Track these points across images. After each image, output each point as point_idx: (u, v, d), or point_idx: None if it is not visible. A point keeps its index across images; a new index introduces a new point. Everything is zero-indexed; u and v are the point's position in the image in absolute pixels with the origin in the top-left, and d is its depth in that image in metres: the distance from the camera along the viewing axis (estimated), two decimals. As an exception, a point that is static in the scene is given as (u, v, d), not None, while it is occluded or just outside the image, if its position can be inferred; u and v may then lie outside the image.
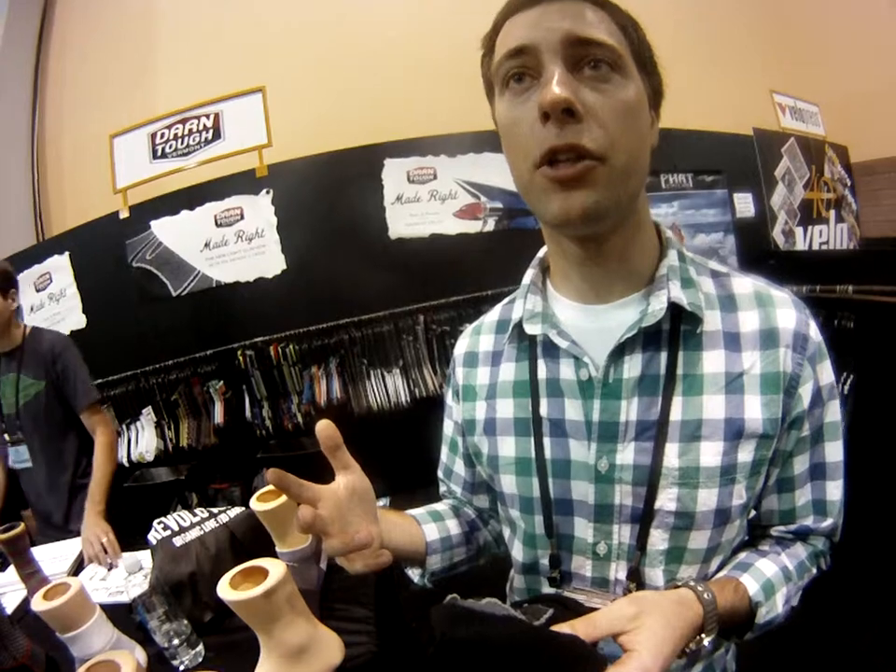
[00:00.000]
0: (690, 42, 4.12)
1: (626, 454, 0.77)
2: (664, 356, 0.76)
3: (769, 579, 0.79)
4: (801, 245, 4.42)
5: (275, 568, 1.00)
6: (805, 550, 0.87)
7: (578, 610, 0.74)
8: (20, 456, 2.31)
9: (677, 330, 0.76)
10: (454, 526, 1.03)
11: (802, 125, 4.56)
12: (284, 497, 1.35)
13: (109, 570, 1.84)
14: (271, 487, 1.40)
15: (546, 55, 0.65)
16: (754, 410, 0.74)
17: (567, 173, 0.65)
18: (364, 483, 0.77)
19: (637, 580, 0.79)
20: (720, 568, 0.82)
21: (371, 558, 0.74)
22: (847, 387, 2.67)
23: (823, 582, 0.91)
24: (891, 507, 2.21)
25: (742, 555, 0.84)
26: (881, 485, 2.24)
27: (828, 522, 0.84)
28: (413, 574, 1.02)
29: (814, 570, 0.87)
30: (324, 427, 0.72)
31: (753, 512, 0.86)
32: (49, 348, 2.26)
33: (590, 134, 0.64)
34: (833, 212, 4.67)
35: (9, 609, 1.59)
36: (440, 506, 1.08)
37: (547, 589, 0.87)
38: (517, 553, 0.92)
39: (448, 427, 1.07)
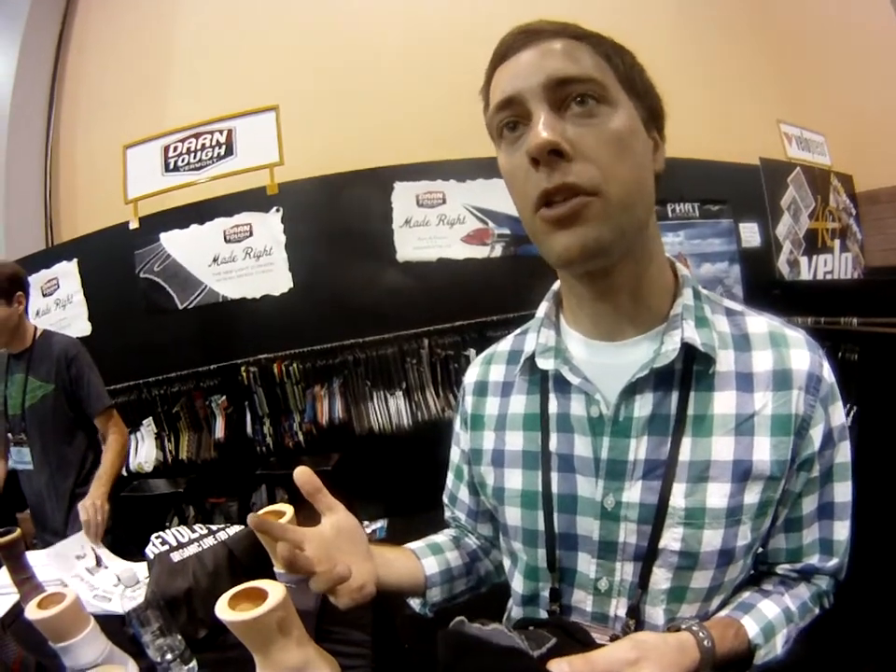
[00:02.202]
0: (697, 72, 4.18)
1: (633, 492, 0.77)
2: (675, 395, 0.76)
3: (770, 621, 0.78)
4: (806, 274, 4.44)
5: (275, 590, 0.99)
6: (809, 590, 0.86)
7: (582, 640, 0.75)
8: (21, 457, 2.30)
9: (689, 370, 0.76)
10: (454, 559, 1.03)
11: (808, 155, 4.60)
12: (285, 518, 1.35)
13: (97, 565, 1.81)
14: (271, 507, 1.40)
15: (532, 102, 0.67)
16: (763, 452, 0.74)
17: (561, 211, 0.66)
18: (350, 521, 0.80)
19: (636, 617, 0.78)
20: (721, 607, 0.81)
21: (356, 592, 0.75)
22: (850, 419, 2.66)
23: (823, 615, 0.90)
24: (893, 537, 2.19)
25: (745, 595, 0.83)
26: (883, 516, 2.22)
27: (834, 561, 0.83)
28: (414, 604, 1.02)
29: (816, 611, 0.87)
30: (301, 474, 0.75)
31: (760, 549, 0.86)
32: (61, 352, 2.25)
33: (580, 171, 0.65)
34: (837, 241, 4.70)
35: (0, 614, 1.59)
36: (439, 538, 1.08)
37: None
38: (517, 584, 0.92)
39: (455, 454, 1.06)
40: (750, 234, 4.11)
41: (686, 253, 3.82)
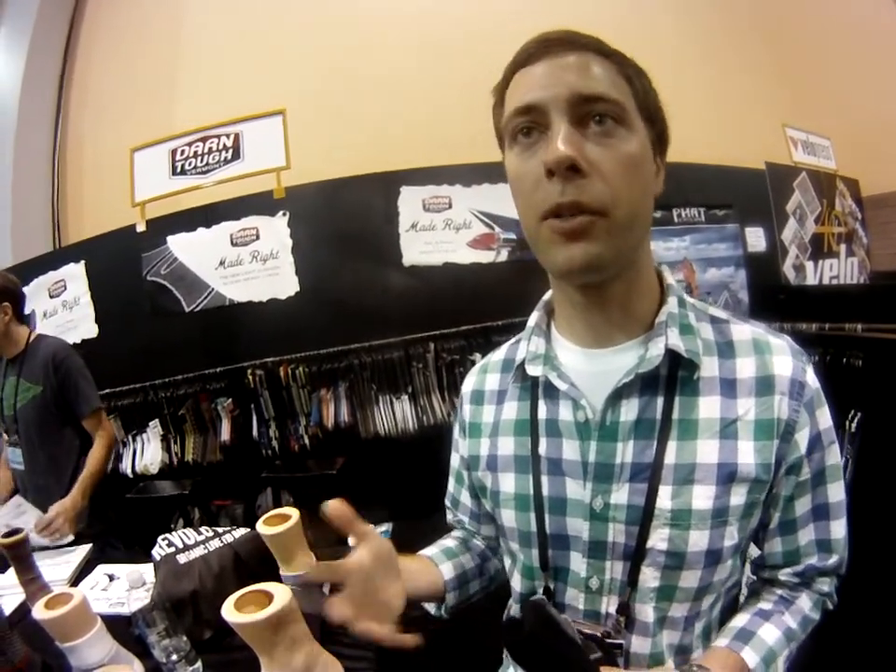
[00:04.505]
0: (702, 77, 4.18)
1: (621, 494, 0.79)
2: (660, 400, 0.78)
3: (771, 647, 0.80)
4: (811, 279, 4.42)
5: (280, 593, 1.00)
6: (810, 599, 0.88)
7: (615, 663, 0.79)
8: (15, 457, 2.39)
9: (674, 376, 0.78)
10: (467, 561, 1.07)
11: (814, 159, 4.58)
12: (290, 522, 1.36)
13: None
14: (277, 511, 1.41)
15: (553, 113, 0.68)
16: (747, 455, 0.76)
17: (569, 226, 0.67)
18: (384, 544, 0.82)
19: (626, 614, 0.81)
20: (711, 607, 0.83)
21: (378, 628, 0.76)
22: (854, 425, 2.66)
23: (826, 617, 0.91)
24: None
25: (745, 619, 0.85)
26: (887, 520, 2.22)
27: (833, 559, 0.85)
28: (430, 608, 1.05)
29: (817, 618, 0.88)
30: (334, 508, 0.75)
31: (758, 554, 0.88)
32: (50, 354, 2.32)
33: (592, 190, 0.66)
34: (843, 246, 4.68)
35: (6, 613, 1.59)
36: (450, 542, 1.11)
37: None
38: (515, 583, 0.94)
39: (455, 460, 1.09)
40: (756, 239, 4.09)
41: (691, 258, 3.81)
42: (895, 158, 4.31)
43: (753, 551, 0.90)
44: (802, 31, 4.61)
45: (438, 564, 1.03)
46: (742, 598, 0.93)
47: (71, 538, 2.11)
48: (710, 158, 3.84)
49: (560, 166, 0.65)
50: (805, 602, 0.87)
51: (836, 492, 0.83)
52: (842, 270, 4.68)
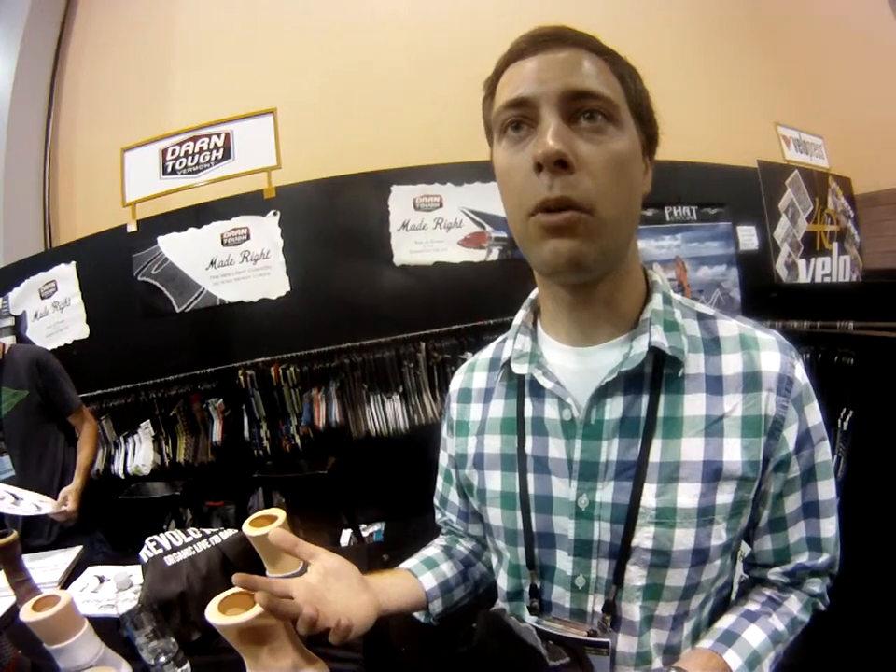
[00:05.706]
0: (695, 75, 4.19)
1: (606, 492, 0.79)
2: (645, 398, 0.78)
3: (755, 650, 0.79)
4: (804, 277, 4.42)
5: (264, 593, 1.00)
6: (800, 600, 0.87)
7: (587, 669, 0.79)
8: (3, 466, 2.39)
9: (659, 374, 0.78)
10: (448, 569, 1.07)
11: (806, 157, 4.59)
12: (276, 523, 1.36)
13: (100, 582, 1.84)
14: (264, 512, 1.41)
15: (544, 107, 0.67)
16: (734, 452, 0.75)
17: (555, 220, 0.67)
18: (334, 562, 0.85)
19: (612, 613, 0.80)
20: (701, 607, 0.83)
21: (342, 631, 0.77)
22: (846, 423, 2.66)
23: (818, 617, 0.90)
24: (891, 542, 2.19)
25: (730, 620, 0.84)
26: (879, 519, 2.23)
27: (824, 558, 0.84)
28: (419, 616, 1.05)
29: (807, 620, 0.88)
30: (274, 535, 0.82)
31: (748, 550, 0.88)
32: (33, 360, 2.39)
33: (580, 186, 0.66)
34: (836, 244, 4.69)
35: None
36: (431, 551, 1.11)
37: (528, 617, 0.88)
38: (502, 581, 0.94)
39: (443, 459, 1.09)
40: (748, 237, 4.10)
41: (684, 256, 3.81)
42: (887, 156, 4.33)
43: (745, 549, 0.89)
44: (795, 30, 4.62)
45: (417, 575, 1.03)
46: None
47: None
48: (703, 156, 3.84)
49: (549, 161, 0.65)
50: (794, 603, 0.86)
51: (827, 489, 0.82)
52: (834, 268, 4.69)
